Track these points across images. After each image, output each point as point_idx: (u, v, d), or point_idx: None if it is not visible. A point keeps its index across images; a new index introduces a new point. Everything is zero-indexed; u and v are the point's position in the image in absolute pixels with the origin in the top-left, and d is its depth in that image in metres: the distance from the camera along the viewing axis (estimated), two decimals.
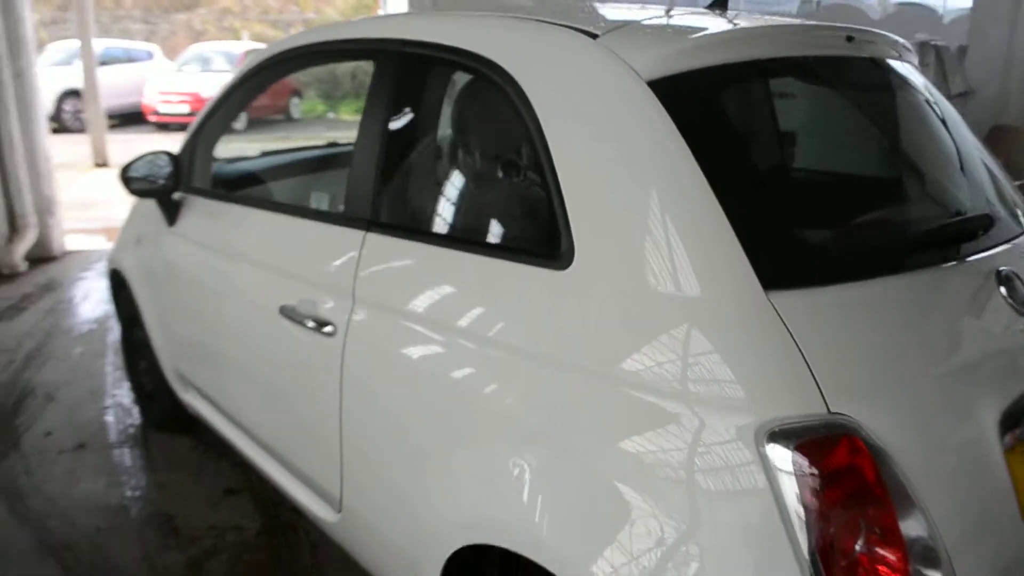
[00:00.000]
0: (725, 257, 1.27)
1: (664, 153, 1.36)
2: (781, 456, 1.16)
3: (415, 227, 1.88)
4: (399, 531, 1.77)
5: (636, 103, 1.40)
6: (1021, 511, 1.34)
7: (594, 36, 1.53)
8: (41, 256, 6.41)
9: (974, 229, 1.57)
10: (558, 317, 1.43)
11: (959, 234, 1.54)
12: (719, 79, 1.49)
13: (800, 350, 1.21)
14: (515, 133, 1.59)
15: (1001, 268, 1.53)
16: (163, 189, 2.73)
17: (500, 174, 1.76)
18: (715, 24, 1.70)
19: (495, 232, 1.73)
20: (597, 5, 2.01)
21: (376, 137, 1.94)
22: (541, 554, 1.37)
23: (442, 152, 2.00)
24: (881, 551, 1.15)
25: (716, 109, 1.49)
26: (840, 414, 1.18)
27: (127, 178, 2.70)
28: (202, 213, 2.71)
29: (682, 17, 1.79)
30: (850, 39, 1.69)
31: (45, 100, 7.08)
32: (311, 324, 1.98)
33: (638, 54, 1.45)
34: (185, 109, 16.05)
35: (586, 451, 1.36)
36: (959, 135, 1.86)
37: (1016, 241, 1.69)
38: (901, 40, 1.91)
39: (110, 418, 3.66)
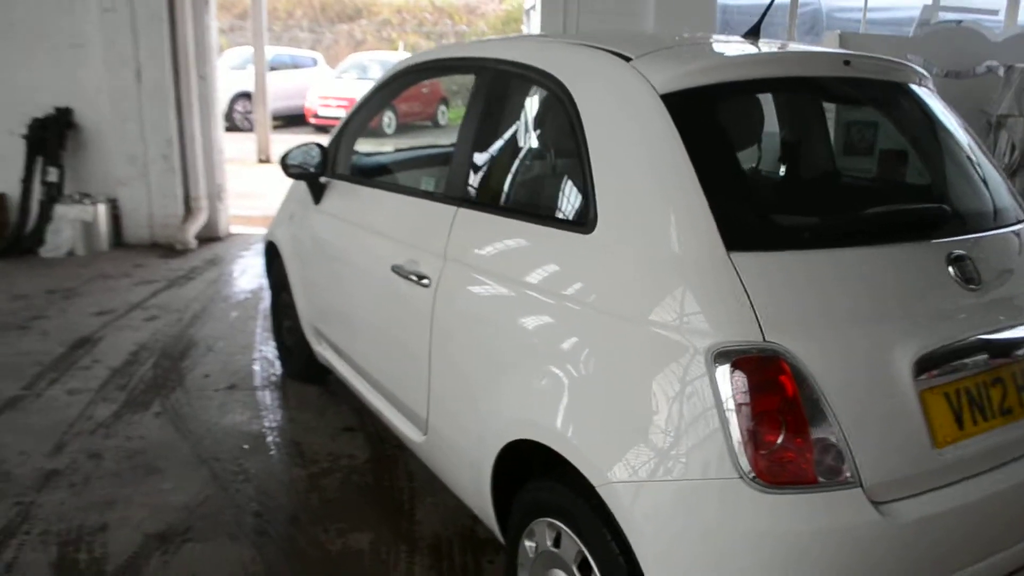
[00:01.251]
0: (701, 227, 1.67)
1: (664, 150, 1.76)
2: (722, 370, 1.54)
3: (491, 203, 2.35)
4: (467, 439, 2.23)
5: (650, 111, 1.82)
6: (933, 439, 1.65)
7: (628, 59, 1.95)
8: (209, 236, 7.37)
9: (921, 219, 1.89)
10: (582, 270, 1.86)
11: (904, 222, 1.88)
12: (715, 94, 1.89)
13: (748, 295, 1.59)
14: (565, 131, 2.02)
15: (955, 252, 1.82)
16: (313, 173, 3.33)
17: (553, 162, 2.21)
18: (730, 50, 2.08)
19: (545, 206, 2.17)
20: (664, 35, 2.41)
21: (470, 134, 2.43)
22: (560, 444, 1.80)
23: (514, 145, 2.46)
24: (792, 445, 1.52)
25: (710, 116, 1.88)
26: (772, 342, 1.55)
27: (286, 163, 3.32)
28: (341, 194, 3.29)
29: (711, 44, 2.18)
30: (847, 63, 2.03)
31: (221, 100, 8.08)
32: (413, 277, 2.49)
33: (656, 74, 1.86)
34: (342, 113, 17.39)
35: (595, 368, 1.78)
36: (957, 147, 2.17)
37: (997, 231, 1.99)
38: (916, 67, 2.24)
39: (256, 367, 4.34)
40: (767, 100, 2.37)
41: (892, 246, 1.81)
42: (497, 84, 2.41)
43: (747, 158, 2.20)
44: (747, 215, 1.75)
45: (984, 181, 2.20)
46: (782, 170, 2.63)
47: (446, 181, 2.55)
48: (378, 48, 22.45)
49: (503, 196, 2.32)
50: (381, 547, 2.70)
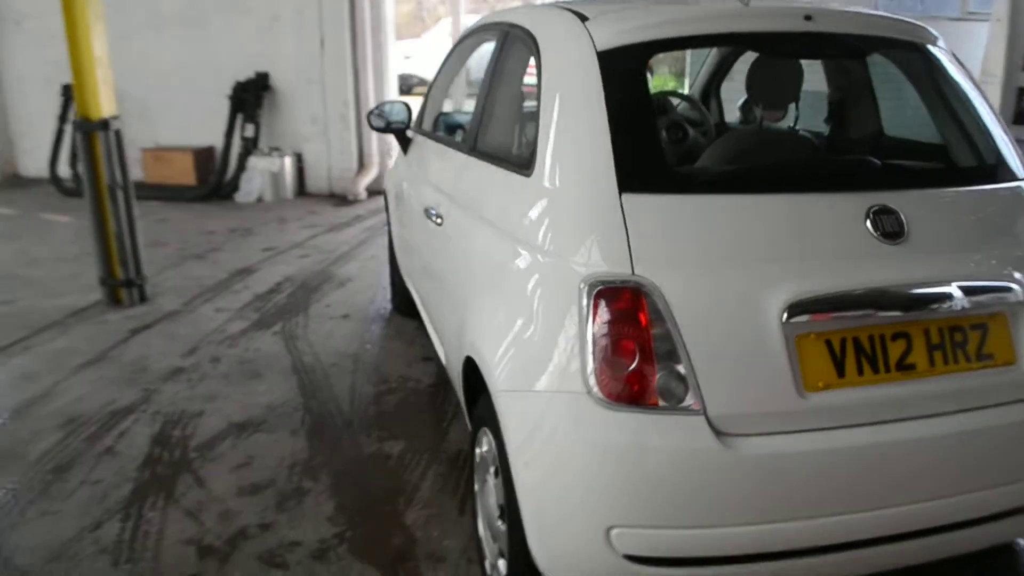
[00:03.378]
0: (600, 170, 1.81)
1: (588, 100, 1.91)
2: (589, 295, 1.71)
3: (483, 149, 2.59)
4: (454, 356, 2.52)
5: (586, 65, 1.97)
6: (801, 383, 1.69)
7: (585, 19, 2.11)
8: (377, 189, 8.05)
9: (839, 171, 1.91)
10: (520, 208, 2.07)
11: (817, 172, 1.91)
12: (645, 50, 2.00)
13: (627, 232, 1.73)
14: (533, 80, 2.22)
15: (876, 205, 1.82)
16: (398, 127, 3.72)
17: (524, 110, 2.40)
18: (683, 10, 2.17)
19: (512, 151, 2.38)
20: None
21: (484, 89, 2.69)
22: (479, 360, 2.05)
23: (504, 96, 2.66)
24: (636, 370, 1.65)
25: (635, 71, 1.99)
26: (638, 276, 1.69)
27: (368, 118, 3.72)
28: (416, 146, 3.64)
29: (675, 4, 2.27)
30: (808, 18, 2.05)
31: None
32: (434, 217, 2.80)
33: (599, 32, 2.01)
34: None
35: (508, 293, 2.00)
36: (931, 103, 2.12)
37: (945, 189, 1.96)
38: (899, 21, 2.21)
39: (372, 303, 4.85)
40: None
41: (797, 195, 1.85)
42: (503, 44, 2.63)
43: (650, 110, 2.27)
44: (645, 161, 1.86)
45: (959, 137, 2.13)
46: (681, 124, 2.92)
47: (464, 132, 2.83)
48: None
49: (490, 142, 2.55)
50: (407, 454, 3.06)
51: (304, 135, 7.91)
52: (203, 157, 8.04)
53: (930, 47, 2.29)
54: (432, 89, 3.74)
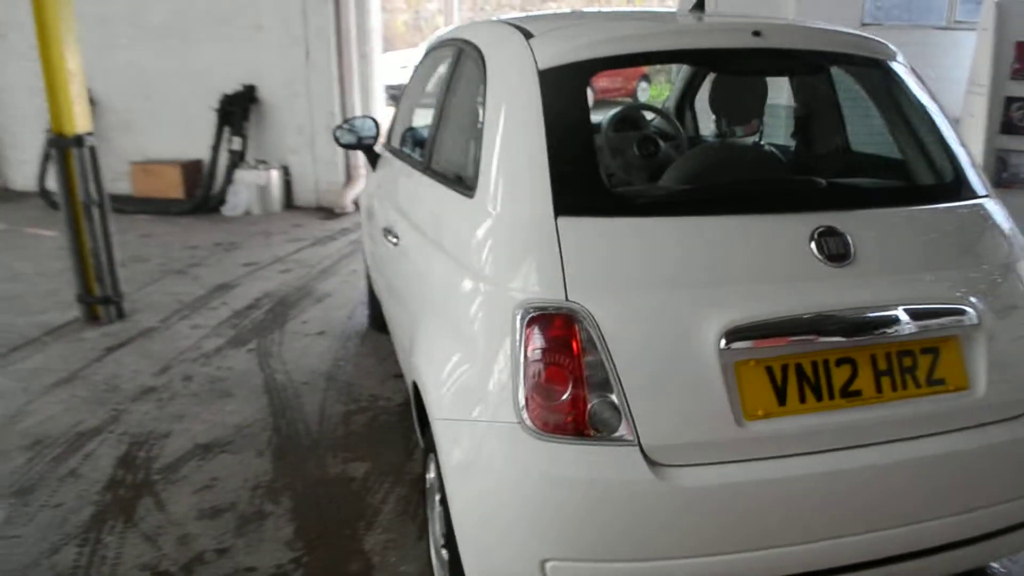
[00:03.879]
0: (537, 193, 1.78)
1: (527, 121, 1.89)
2: (524, 324, 1.67)
3: (434, 169, 2.56)
4: (407, 376, 2.49)
5: (528, 85, 1.94)
6: (740, 412, 1.66)
7: (530, 36, 2.08)
8: None
9: (783, 192, 1.90)
10: (464, 229, 2.03)
11: (760, 194, 1.89)
12: (584, 69, 1.97)
13: (561, 257, 1.70)
14: (481, 100, 2.19)
15: (822, 227, 1.79)
16: (367, 143, 3.69)
17: (471, 129, 2.38)
18: (628, 27, 2.14)
19: (458, 170, 2.34)
20: (593, 15, 2.49)
21: (439, 106, 2.66)
22: (421, 384, 2.02)
23: (454, 115, 2.63)
24: (567, 399, 1.62)
25: (575, 91, 1.96)
26: (572, 303, 1.66)
27: (335, 134, 3.70)
28: (383, 163, 3.62)
29: (622, 20, 2.24)
30: (757, 33, 2.02)
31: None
32: (391, 238, 2.77)
33: (542, 51, 1.98)
34: None
35: (448, 318, 1.97)
36: (888, 121, 2.08)
37: (895, 208, 1.93)
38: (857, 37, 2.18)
39: (349, 319, 4.82)
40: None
41: (738, 217, 1.82)
42: (456, 61, 2.60)
43: (588, 132, 2.23)
44: (582, 183, 1.83)
45: (917, 154, 2.11)
46: (620, 146, 2.91)
47: (421, 150, 2.80)
48: None
49: (440, 161, 2.53)
50: (371, 476, 3.02)
51: (291, 147, 7.90)
52: (191, 170, 8.03)
53: (888, 62, 2.27)
54: (400, 105, 3.72)
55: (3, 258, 6.22)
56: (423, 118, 3.70)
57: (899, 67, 2.28)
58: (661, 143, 3.38)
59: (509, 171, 1.91)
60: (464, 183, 2.15)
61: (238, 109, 7.79)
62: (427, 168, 2.61)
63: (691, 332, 1.66)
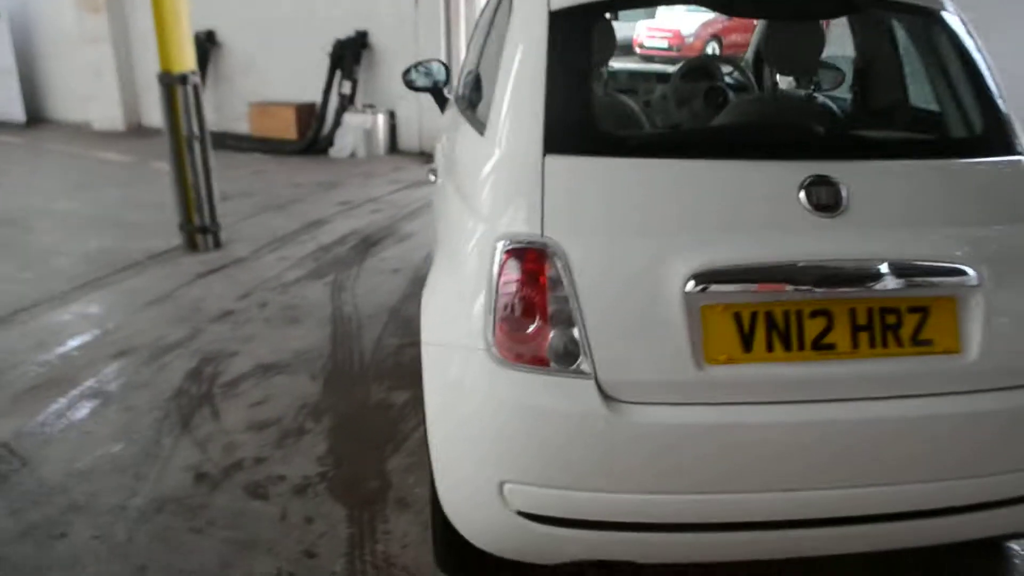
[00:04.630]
0: (529, 131, 1.81)
1: (531, 61, 1.91)
2: (500, 257, 1.72)
3: (464, 109, 2.61)
4: None
5: (539, 26, 1.96)
6: (701, 355, 1.66)
7: None
8: None
9: (775, 139, 1.84)
10: (475, 167, 2.09)
11: (750, 140, 1.84)
12: (593, 11, 1.96)
13: (543, 193, 1.73)
14: (504, 40, 2.23)
15: (812, 176, 1.74)
16: (435, 86, 3.78)
17: (494, 68, 2.40)
18: None
19: (480, 110, 2.39)
20: None
21: (477, 50, 2.71)
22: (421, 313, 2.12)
23: (488, 57, 2.66)
24: (531, 330, 1.67)
25: (580, 32, 1.95)
26: (546, 239, 1.70)
27: (404, 75, 3.80)
28: (449, 106, 3.71)
29: None
30: None
31: None
32: (431, 176, 2.87)
33: None
34: (665, 44, 17.43)
35: (447, 249, 2.05)
36: (918, 67, 1.97)
37: (898, 160, 1.85)
38: None
39: (425, 259, 4.98)
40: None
41: (724, 162, 1.79)
42: (498, 4, 2.63)
43: (587, 74, 2.20)
44: (574, 123, 1.84)
45: (954, 107, 1.99)
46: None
47: (464, 92, 2.86)
48: None
49: (471, 101, 2.58)
50: (408, 405, 3.17)
51: (398, 93, 8.07)
52: (304, 112, 8.39)
53: (938, 11, 2.13)
54: (468, 50, 3.78)
55: (128, 189, 6.76)
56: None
57: (947, 16, 2.14)
58: (731, 94, 3.31)
59: (513, 110, 1.94)
60: (481, 121, 2.20)
61: (349, 54, 8.06)
62: (464, 108, 2.68)
63: (659, 273, 1.67)
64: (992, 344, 1.73)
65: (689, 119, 3.33)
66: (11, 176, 7.27)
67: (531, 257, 1.70)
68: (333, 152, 8.03)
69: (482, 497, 1.75)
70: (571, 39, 1.94)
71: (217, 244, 5.14)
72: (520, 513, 1.73)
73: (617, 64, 4.44)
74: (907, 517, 1.77)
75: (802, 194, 1.73)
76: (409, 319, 4.03)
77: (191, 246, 5.08)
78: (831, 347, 1.71)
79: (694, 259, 1.66)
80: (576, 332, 1.66)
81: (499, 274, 1.72)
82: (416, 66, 3.74)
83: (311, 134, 8.18)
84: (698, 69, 3.67)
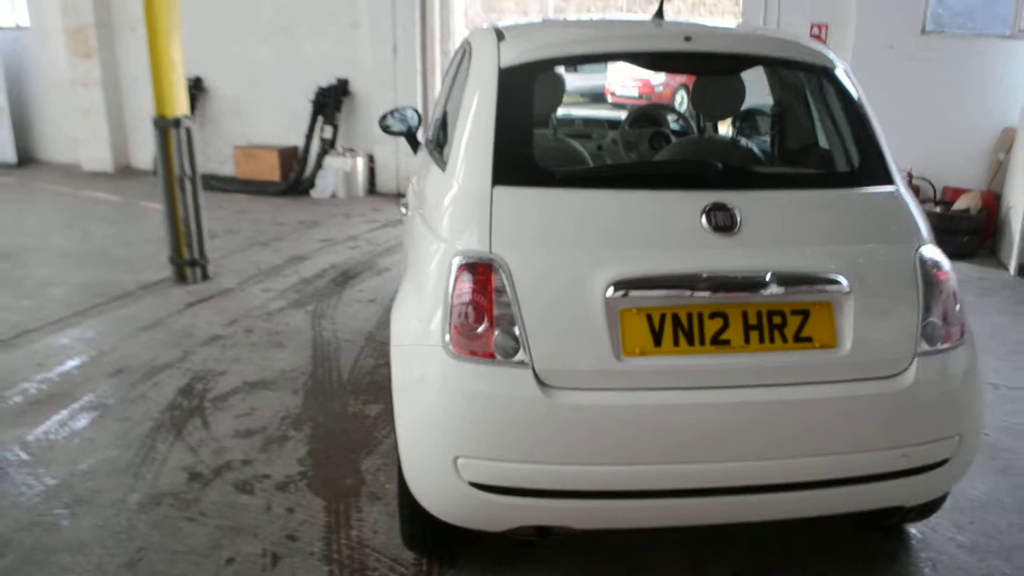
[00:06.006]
0: (480, 167, 2.20)
1: (483, 109, 2.30)
2: (456, 270, 2.08)
3: (430, 148, 2.99)
4: None
5: (489, 79, 2.36)
6: (619, 349, 2.02)
7: (502, 39, 2.49)
8: None
9: (682, 172, 2.24)
10: (438, 198, 2.46)
11: (662, 173, 2.25)
12: (534, 69, 2.38)
13: (491, 217, 2.11)
14: (463, 88, 2.62)
15: (712, 203, 2.13)
16: (409, 131, 4.18)
17: (455, 113, 2.80)
18: (576, 33, 2.52)
19: (441, 149, 2.77)
20: (563, 22, 2.88)
21: (443, 94, 3.11)
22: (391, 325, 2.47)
23: (450, 101, 3.06)
24: (479, 329, 2.03)
25: (523, 86, 2.34)
26: (494, 254, 2.07)
27: (381, 121, 4.19)
28: (420, 147, 4.10)
29: (574, 27, 2.62)
30: (688, 39, 2.37)
31: None
32: (402, 210, 3.24)
33: (506, 51, 2.40)
34: (636, 93, 18.06)
35: (413, 271, 2.41)
36: (798, 115, 2.39)
37: (781, 191, 2.26)
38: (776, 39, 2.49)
39: None
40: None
41: (641, 191, 2.18)
42: (461, 55, 3.04)
43: (528, 120, 2.59)
44: (517, 159, 2.22)
45: (835, 148, 2.41)
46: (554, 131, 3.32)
47: (432, 134, 3.26)
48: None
49: (436, 142, 2.97)
50: (382, 416, 3.50)
51: (376, 137, 8.50)
52: (287, 155, 8.78)
53: (818, 65, 2.56)
54: (439, 96, 4.19)
55: (119, 226, 7.08)
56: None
57: (838, 72, 2.56)
58: (673, 139, 3.73)
59: (469, 149, 2.33)
60: (443, 159, 2.59)
61: (331, 100, 8.48)
62: (431, 149, 3.06)
63: (585, 282, 2.04)
64: (860, 341, 2.11)
65: (635, 160, 3.74)
66: (3, 214, 7.56)
67: (480, 270, 2.07)
68: (315, 193, 8.41)
69: (439, 471, 2.09)
70: (516, 91, 2.35)
71: (205, 276, 5.47)
72: (472, 484, 2.06)
73: (577, 111, 4.89)
74: (795, 488, 2.13)
75: (703, 217, 2.12)
76: (384, 343, 4.37)
77: (180, 278, 5.40)
78: (727, 343, 2.08)
79: (614, 270, 2.04)
80: (517, 330, 2.02)
81: (454, 284, 2.09)
82: (392, 112, 4.12)
83: (294, 176, 8.55)
84: (645, 116, 4.11)
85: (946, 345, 2.20)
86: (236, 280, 5.50)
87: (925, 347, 2.17)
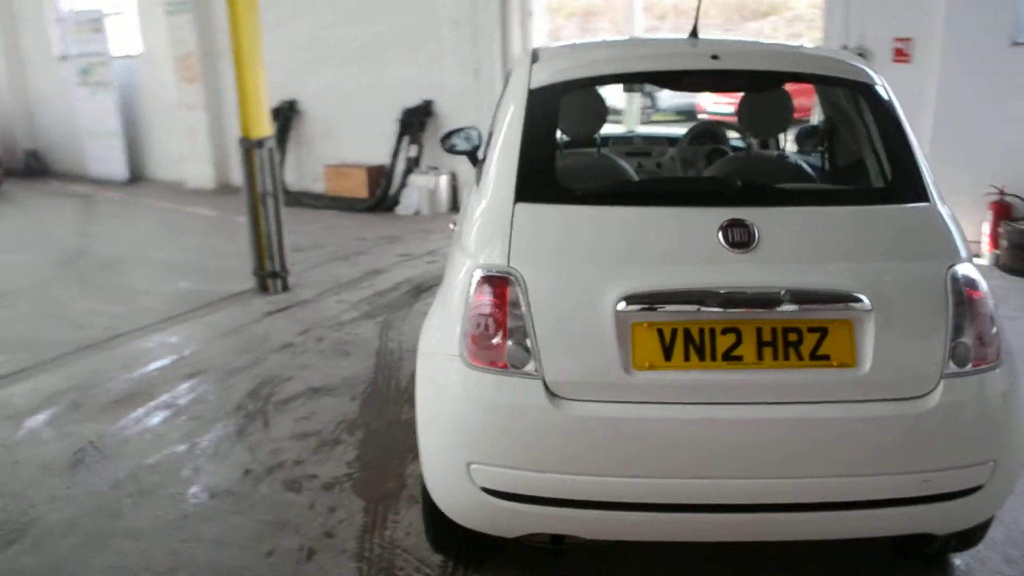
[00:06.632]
0: (505, 184, 2.28)
1: (513, 128, 2.39)
2: (476, 283, 2.16)
3: (477, 168, 3.09)
4: None
5: (520, 99, 2.45)
6: (630, 362, 2.04)
7: (536, 60, 2.57)
8: None
9: (701, 190, 2.22)
10: (472, 215, 2.55)
11: (681, 190, 2.24)
12: (563, 89, 2.44)
13: (511, 234, 2.18)
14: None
15: (729, 219, 2.13)
16: (473, 150, 4.31)
17: (492, 135, 2.89)
18: (610, 53, 2.57)
19: (482, 169, 2.86)
20: (599, 42, 2.93)
21: (495, 116, 3.21)
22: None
23: (495, 121, 3.14)
24: (494, 340, 2.09)
25: (551, 106, 2.41)
26: (512, 268, 2.14)
27: (443, 140, 4.33)
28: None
29: (612, 47, 2.67)
30: (715, 57, 2.40)
31: None
32: (452, 226, 3.36)
33: (537, 73, 2.48)
34: (730, 109, 17.87)
35: (445, 283, 2.51)
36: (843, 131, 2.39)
37: (800, 207, 2.25)
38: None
39: None
40: None
41: (659, 208, 2.21)
42: (507, 77, 3.14)
43: (553, 139, 2.62)
44: (540, 177, 2.29)
45: (871, 163, 2.38)
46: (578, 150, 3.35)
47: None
48: None
49: (481, 161, 3.06)
50: None
51: (459, 157, 8.73)
52: (375, 173, 9.11)
53: (873, 85, 2.53)
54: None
55: (212, 240, 7.52)
56: None
57: (878, 88, 2.52)
58: (729, 152, 3.73)
59: (497, 166, 2.42)
60: (479, 176, 2.68)
61: (416, 120, 8.76)
62: (478, 167, 3.17)
63: (598, 296, 2.08)
64: (882, 360, 2.07)
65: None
66: (111, 228, 8.14)
67: (498, 283, 2.14)
68: (399, 210, 8.68)
69: (454, 476, 2.16)
70: (544, 110, 2.42)
71: (285, 288, 5.75)
72: (484, 489, 2.13)
73: (642, 129, 4.91)
74: (811, 508, 2.10)
75: (720, 234, 2.13)
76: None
77: (262, 289, 5.70)
78: (739, 359, 2.08)
79: (626, 284, 2.07)
80: (529, 342, 2.08)
81: (474, 296, 2.17)
82: (457, 131, 4.25)
83: (379, 193, 8.86)
84: (705, 133, 4.10)
85: (978, 367, 2.13)
86: (314, 292, 5.75)
87: (954, 368, 2.10)
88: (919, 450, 2.08)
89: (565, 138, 3.36)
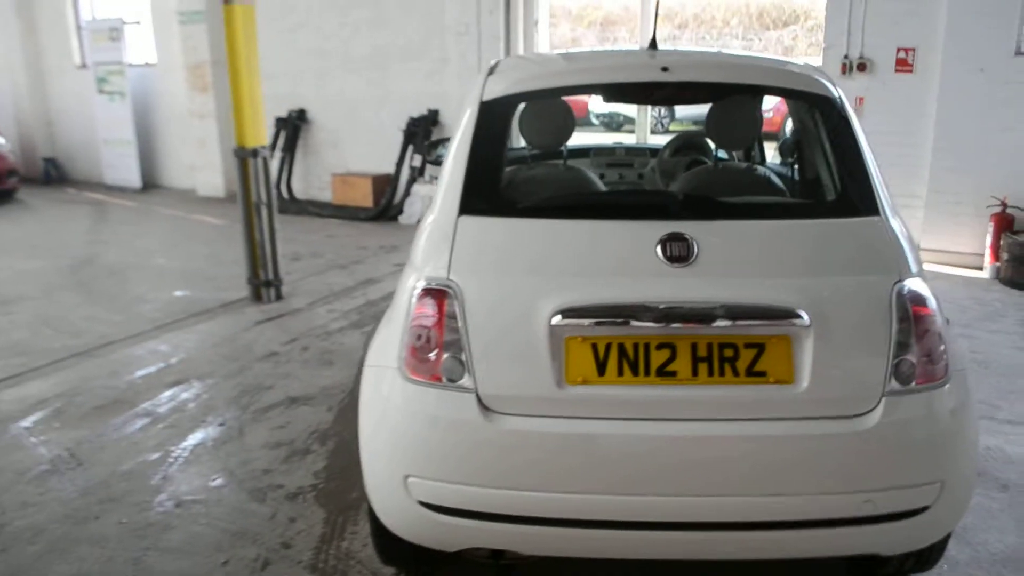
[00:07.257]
0: (451, 198, 2.28)
1: (462, 142, 2.40)
2: (416, 296, 2.17)
3: None
4: None
5: (472, 112, 2.46)
6: (562, 377, 2.03)
7: (492, 72, 2.58)
8: None
9: (639, 203, 2.22)
10: (422, 225, 2.56)
11: (620, 204, 2.24)
12: (511, 101, 2.44)
13: (452, 246, 2.19)
14: None
15: (667, 233, 2.12)
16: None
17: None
18: (559, 66, 2.57)
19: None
20: (550, 55, 2.93)
21: None
22: None
23: None
24: (428, 353, 2.09)
25: (500, 119, 2.41)
26: (451, 281, 2.14)
27: (428, 149, 4.35)
28: None
29: (560, 60, 2.66)
30: (665, 69, 2.39)
31: None
32: None
33: (491, 85, 2.48)
34: None
35: (396, 292, 2.52)
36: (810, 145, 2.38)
37: (739, 221, 2.23)
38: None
39: None
40: None
41: (596, 221, 2.20)
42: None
43: (500, 152, 2.61)
44: (485, 189, 2.29)
45: (817, 176, 2.36)
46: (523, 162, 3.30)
47: None
48: (806, 54, 22.03)
49: None
50: None
51: None
52: (380, 183, 9.16)
53: (811, 92, 2.51)
54: None
55: (216, 248, 7.59)
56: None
57: (836, 102, 2.50)
58: (708, 163, 3.71)
59: (447, 179, 2.42)
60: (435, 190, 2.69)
61: (420, 130, 8.80)
62: None
63: (533, 309, 2.07)
64: (820, 377, 2.04)
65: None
66: (121, 235, 8.26)
67: (435, 296, 2.15)
68: (402, 219, 8.73)
69: (392, 488, 2.16)
70: (494, 123, 2.43)
71: (279, 296, 5.79)
72: (421, 503, 2.13)
73: (627, 141, 4.91)
74: (749, 528, 2.07)
75: (659, 248, 2.12)
76: None
77: (256, 298, 5.75)
78: (673, 374, 2.06)
79: (560, 298, 2.07)
80: (464, 356, 2.09)
81: (414, 308, 2.17)
82: (442, 141, 4.27)
83: (384, 202, 8.91)
84: (688, 144, 4.08)
85: (924, 385, 2.09)
86: (307, 301, 5.79)
87: (896, 386, 2.07)
88: (859, 469, 2.05)
89: (534, 151, 3.35)
